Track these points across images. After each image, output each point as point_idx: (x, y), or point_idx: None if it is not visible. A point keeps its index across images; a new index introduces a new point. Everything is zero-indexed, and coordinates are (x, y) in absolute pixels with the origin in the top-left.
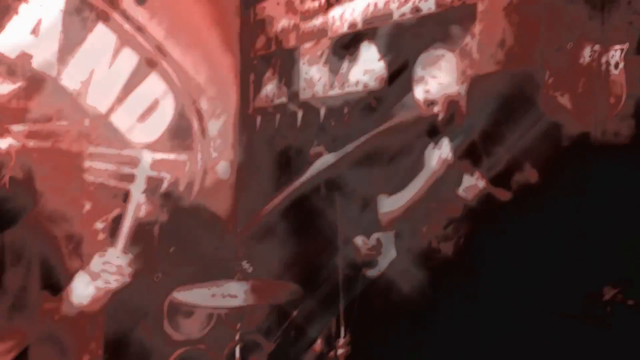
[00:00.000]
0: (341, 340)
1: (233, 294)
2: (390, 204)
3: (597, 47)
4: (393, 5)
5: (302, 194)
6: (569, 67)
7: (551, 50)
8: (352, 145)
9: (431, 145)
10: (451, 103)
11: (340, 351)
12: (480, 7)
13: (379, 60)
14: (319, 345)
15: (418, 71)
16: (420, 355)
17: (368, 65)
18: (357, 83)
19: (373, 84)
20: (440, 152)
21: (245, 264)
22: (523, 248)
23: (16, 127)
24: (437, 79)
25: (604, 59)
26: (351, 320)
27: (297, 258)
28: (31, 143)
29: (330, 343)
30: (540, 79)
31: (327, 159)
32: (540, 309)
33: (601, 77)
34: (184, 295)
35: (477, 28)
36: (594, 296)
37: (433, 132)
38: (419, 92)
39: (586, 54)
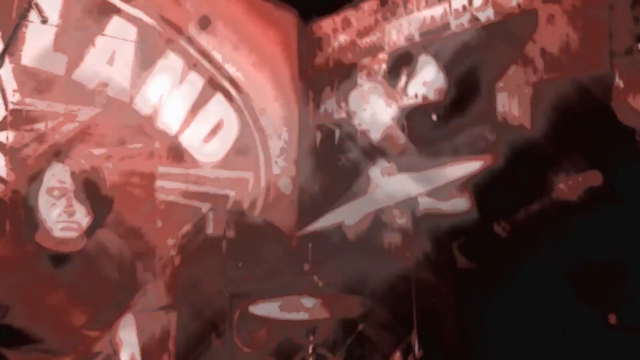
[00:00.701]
0: (416, 353)
1: (304, 307)
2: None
3: None
4: (450, 16)
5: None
6: None
7: (620, 52)
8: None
9: None
10: None
11: None
12: (541, 13)
13: (438, 72)
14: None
15: None
16: None
17: (427, 78)
18: (415, 96)
19: (432, 96)
20: None
21: (316, 279)
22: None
23: (97, 151)
24: None
25: None
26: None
27: (365, 272)
28: (110, 165)
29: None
30: (610, 83)
31: (406, 182)
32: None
33: None
34: (258, 309)
35: (539, 34)
36: None
37: None
38: None
39: None
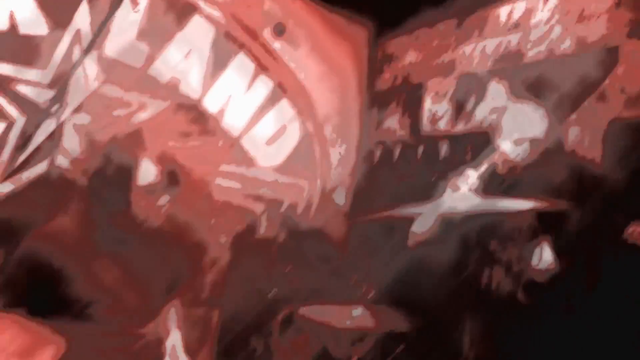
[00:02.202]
0: None
1: (352, 316)
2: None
3: None
4: (526, 45)
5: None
6: None
7: None
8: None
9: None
10: None
11: None
12: (623, 49)
13: (508, 100)
14: None
15: None
16: None
17: (495, 104)
18: (482, 121)
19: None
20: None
21: (364, 289)
22: None
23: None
24: None
25: None
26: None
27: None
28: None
29: None
30: None
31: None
32: None
33: None
34: (308, 311)
35: (619, 70)
36: None
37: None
38: None
39: None
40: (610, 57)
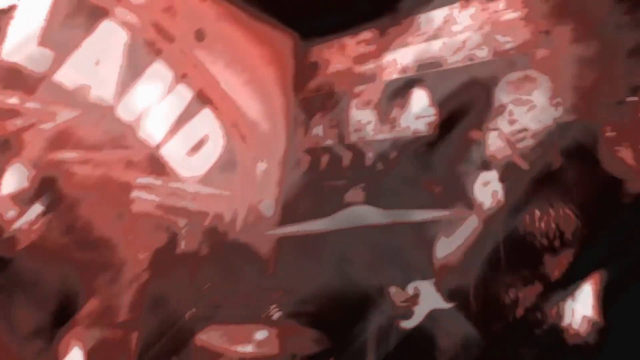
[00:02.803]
0: None
1: (255, 340)
2: (445, 247)
3: None
4: (446, 52)
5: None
6: (631, 121)
7: (611, 103)
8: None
9: (480, 179)
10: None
11: None
12: (537, 56)
13: (430, 106)
14: None
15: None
16: None
17: (419, 111)
18: (407, 128)
19: (424, 130)
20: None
21: (274, 309)
22: None
23: (71, 154)
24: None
25: None
26: None
27: (332, 306)
28: (83, 170)
29: None
30: (599, 131)
31: (364, 214)
32: None
33: None
34: (206, 338)
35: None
36: None
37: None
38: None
39: None
40: (524, 64)
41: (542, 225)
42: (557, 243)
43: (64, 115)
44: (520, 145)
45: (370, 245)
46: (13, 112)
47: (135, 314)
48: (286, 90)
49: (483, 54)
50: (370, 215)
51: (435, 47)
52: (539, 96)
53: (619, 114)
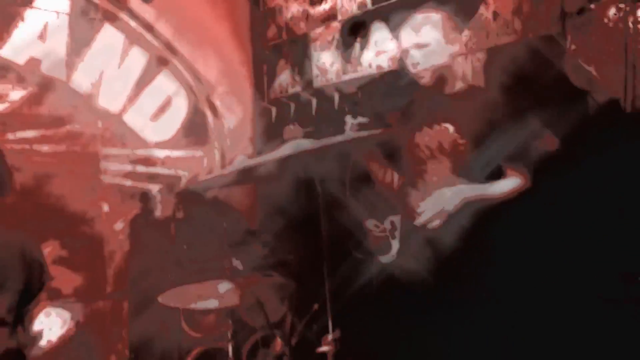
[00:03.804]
0: (329, 337)
1: (218, 294)
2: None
3: (622, 5)
4: None
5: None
6: (593, 30)
7: (572, 13)
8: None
9: None
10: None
11: (325, 348)
12: None
13: (391, 40)
14: (278, 344)
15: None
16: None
17: (380, 47)
18: (369, 65)
19: (387, 65)
20: None
21: (235, 261)
22: (548, 227)
23: (30, 133)
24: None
25: (631, 19)
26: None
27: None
28: (45, 147)
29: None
30: (562, 45)
31: (299, 144)
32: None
33: (629, 38)
34: (167, 298)
35: None
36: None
37: None
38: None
39: (611, 13)
40: None
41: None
42: None
43: (17, 93)
44: None
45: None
46: None
47: (122, 284)
48: (245, 41)
49: None
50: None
51: None
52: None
53: (580, 24)
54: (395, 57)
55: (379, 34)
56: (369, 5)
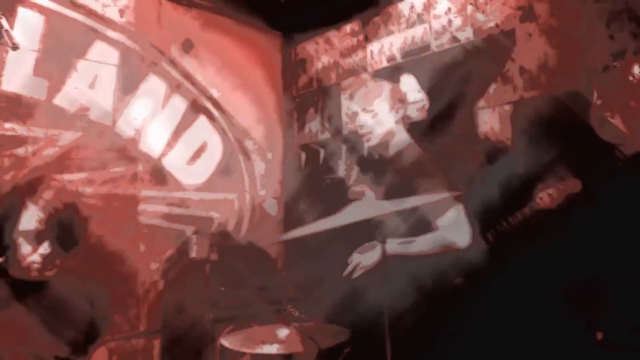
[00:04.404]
0: None
1: (277, 339)
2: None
3: None
4: (430, 37)
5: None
6: (618, 86)
7: (597, 70)
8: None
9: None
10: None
11: None
12: (518, 32)
13: (419, 92)
14: None
15: None
16: None
17: (409, 98)
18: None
19: (415, 115)
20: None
21: (291, 307)
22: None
23: (78, 175)
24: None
25: None
26: None
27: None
28: (90, 190)
29: None
30: (588, 100)
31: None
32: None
33: None
34: (229, 341)
35: (516, 53)
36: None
37: None
38: None
39: (636, 71)
40: (508, 40)
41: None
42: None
43: (67, 137)
44: None
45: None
46: (20, 139)
47: (155, 323)
48: (277, 89)
49: (467, 34)
50: (371, 208)
51: (419, 32)
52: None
53: (606, 80)
54: (424, 107)
55: (408, 85)
56: (398, 58)
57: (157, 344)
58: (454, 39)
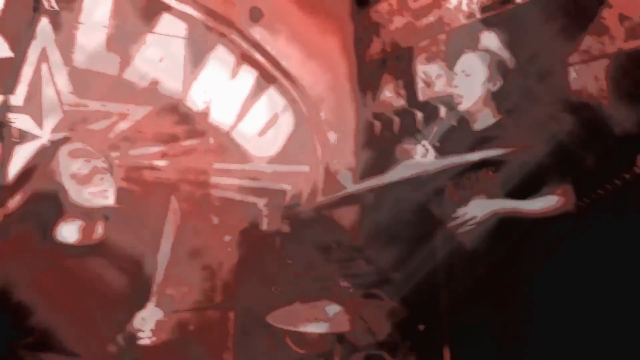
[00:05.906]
0: None
1: (326, 317)
2: None
3: None
4: None
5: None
6: None
7: None
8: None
9: None
10: None
11: None
12: None
13: (502, 49)
14: None
15: None
16: None
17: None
18: None
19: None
20: None
21: (344, 283)
22: None
23: (152, 149)
24: None
25: None
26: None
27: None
28: (163, 163)
29: None
30: None
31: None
32: None
33: None
34: (276, 319)
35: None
36: None
37: None
38: None
39: None
40: None
41: None
42: None
43: (138, 112)
44: None
45: None
46: (98, 114)
47: (230, 295)
48: (350, 56)
49: None
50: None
51: None
52: None
53: None
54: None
55: (489, 43)
56: (477, 15)
57: (232, 316)
58: None
